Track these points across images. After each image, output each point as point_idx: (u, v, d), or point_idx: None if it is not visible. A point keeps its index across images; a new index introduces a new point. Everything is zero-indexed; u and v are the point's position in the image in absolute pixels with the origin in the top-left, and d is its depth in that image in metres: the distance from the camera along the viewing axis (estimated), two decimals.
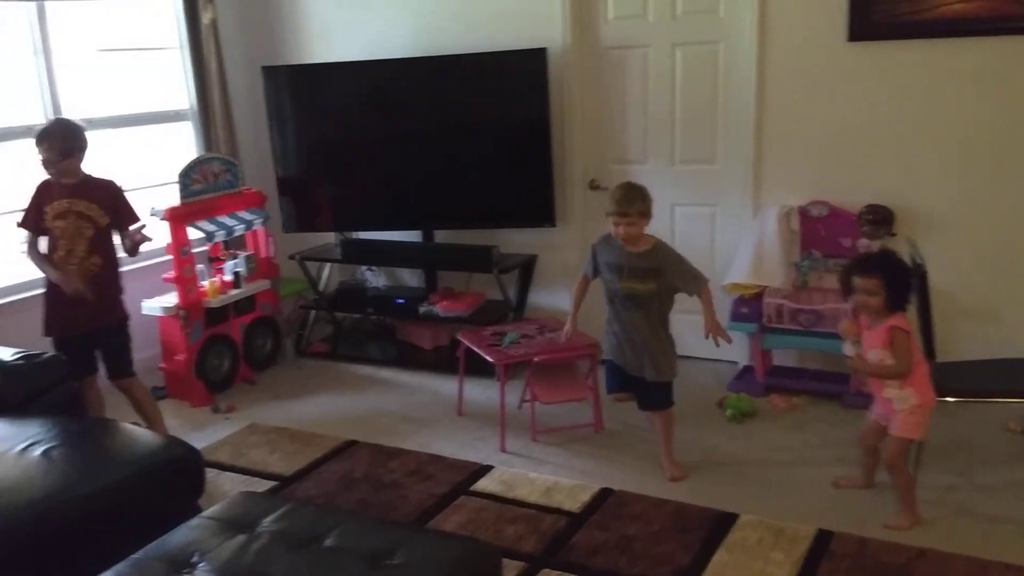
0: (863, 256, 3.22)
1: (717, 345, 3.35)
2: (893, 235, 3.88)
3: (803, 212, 4.07)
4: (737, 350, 4.37)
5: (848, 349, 3.03)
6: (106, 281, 3.57)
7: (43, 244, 3.55)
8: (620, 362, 3.40)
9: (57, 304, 3.52)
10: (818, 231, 4.06)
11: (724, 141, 4.29)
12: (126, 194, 3.64)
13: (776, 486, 3.29)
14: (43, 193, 3.51)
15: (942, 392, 3.05)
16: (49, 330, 3.57)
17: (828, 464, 3.40)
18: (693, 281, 3.28)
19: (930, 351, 3.12)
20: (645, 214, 3.23)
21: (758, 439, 3.68)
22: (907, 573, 2.69)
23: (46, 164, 3.46)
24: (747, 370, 4.25)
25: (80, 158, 3.49)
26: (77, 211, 3.47)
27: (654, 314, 3.31)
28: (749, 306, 4.02)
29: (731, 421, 3.85)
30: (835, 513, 3.05)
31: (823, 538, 2.89)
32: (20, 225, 3.54)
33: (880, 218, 3.87)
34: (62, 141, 3.42)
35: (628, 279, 3.27)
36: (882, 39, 3.81)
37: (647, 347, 3.31)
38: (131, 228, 3.58)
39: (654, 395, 3.39)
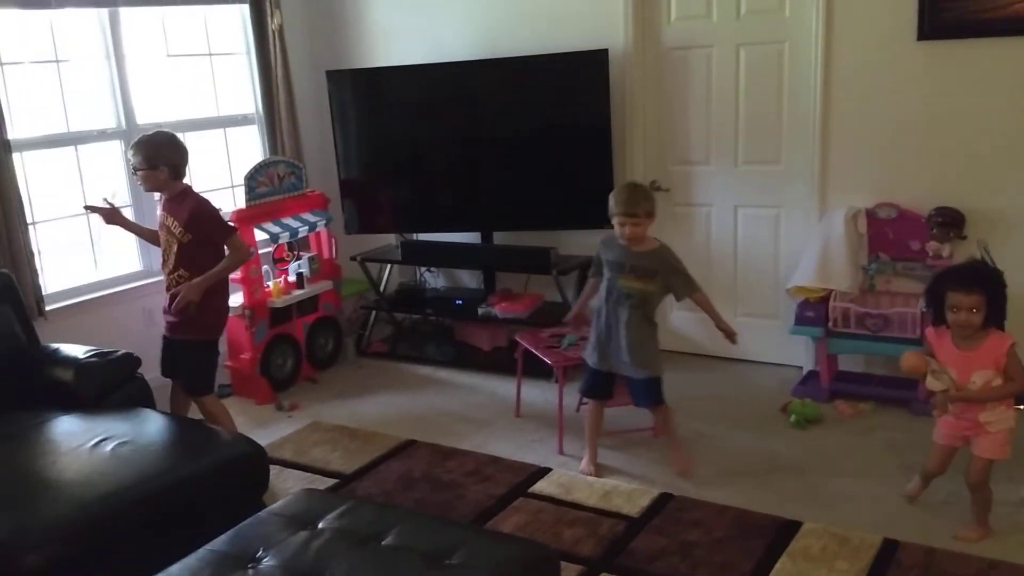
0: (957, 269, 2.95)
1: (733, 343, 3.37)
2: (964, 238, 3.77)
3: (870, 214, 3.97)
4: (801, 354, 4.30)
5: (933, 384, 2.79)
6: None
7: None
8: (603, 367, 3.41)
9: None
10: (886, 234, 3.96)
11: (789, 141, 4.22)
12: (216, 210, 3.56)
13: (841, 494, 3.22)
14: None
15: (1019, 399, 2.95)
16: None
17: (894, 472, 3.31)
18: (686, 286, 3.33)
19: None
20: (651, 214, 3.27)
21: (823, 446, 3.61)
22: None
23: (134, 171, 3.54)
24: (812, 375, 4.17)
25: (166, 173, 3.45)
26: (167, 226, 3.51)
27: (645, 313, 3.33)
28: (815, 310, 3.94)
29: (795, 427, 3.78)
30: (901, 523, 2.97)
31: (889, 548, 2.82)
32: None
33: (950, 220, 3.76)
34: (146, 150, 3.45)
35: (628, 277, 3.30)
36: (952, 38, 3.70)
37: (632, 345, 3.31)
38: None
39: (643, 391, 3.39)
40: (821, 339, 3.97)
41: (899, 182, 3.93)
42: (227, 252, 3.52)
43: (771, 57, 4.17)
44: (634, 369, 3.34)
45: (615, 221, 3.29)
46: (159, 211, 3.58)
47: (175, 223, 3.48)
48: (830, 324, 3.90)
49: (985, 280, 2.76)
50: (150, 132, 3.54)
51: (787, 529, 2.97)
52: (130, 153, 3.50)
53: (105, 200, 3.68)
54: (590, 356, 3.46)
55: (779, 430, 3.78)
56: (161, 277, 3.70)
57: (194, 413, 3.63)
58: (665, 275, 3.32)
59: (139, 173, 3.49)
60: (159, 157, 3.44)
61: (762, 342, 4.44)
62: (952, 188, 3.81)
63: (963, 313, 2.71)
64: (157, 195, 3.61)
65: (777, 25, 4.12)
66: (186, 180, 3.58)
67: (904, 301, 3.85)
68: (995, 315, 2.73)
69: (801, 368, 4.29)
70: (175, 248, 3.50)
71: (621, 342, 3.33)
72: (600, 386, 3.49)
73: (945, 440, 2.93)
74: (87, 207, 3.72)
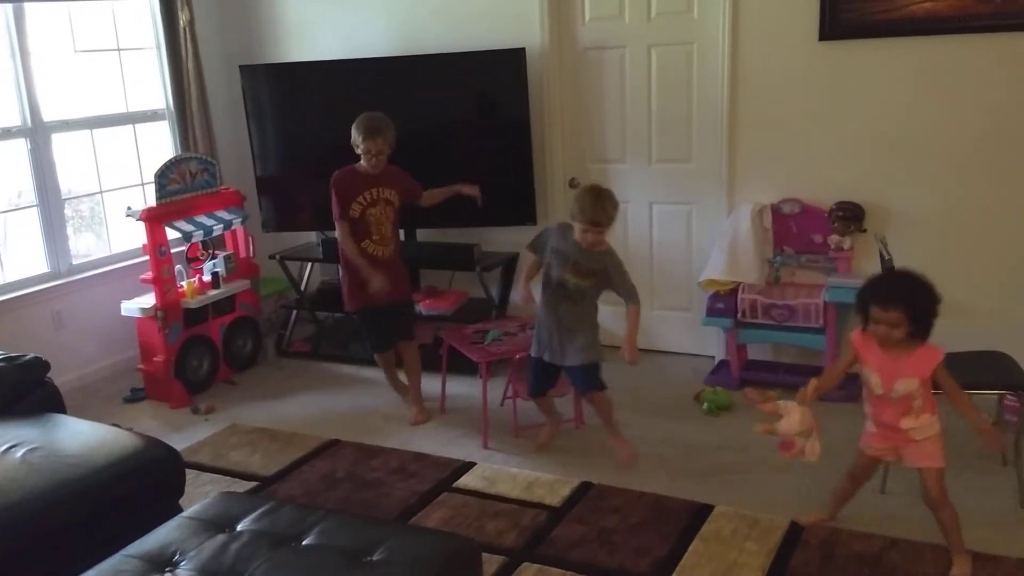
0: (880, 281, 2.73)
1: (631, 363, 3.39)
2: (863, 231, 3.95)
3: (775, 209, 4.13)
4: (713, 345, 4.44)
5: (780, 425, 2.72)
6: (400, 262, 3.98)
7: None
8: (549, 356, 3.46)
9: (360, 282, 3.85)
10: (790, 228, 4.12)
11: (699, 140, 4.34)
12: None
13: (751, 478, 3.35)
14: (349, 185, 3.80)
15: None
16: (352, 302, 3.96)
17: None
18: (630, 295, 3.37)
19: None
20: (613, 221, 3.30)
21: (733, 432, 3.74)
22: (879, 562, 2.75)
23: (377, 156, 3.74)
24: (723, 364, 4.31)
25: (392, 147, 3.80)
26: (385, 199, 3.81)
27: (586, 305, 3.42)
28: (724, 302, 4.08)
29: (707, 414, 3.91)
30: (808, 504, 3.11)
31: (796, 528, 2.95)
32: (339, 219, 3.80)
33: (850, 215, 3.94)
34: (392, 132, 3.75)
35: (571, 271, 3.35)
36: (853, 38, 3.87)
37: (574, 334, 3.40)
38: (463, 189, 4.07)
39: (583, 377, 3.46)
40: (731, 330, 4.11)
41: (802, 178, 4.10)
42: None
43: (681, 58, 4.29)
44: (573, 355, 3.41)
45: (577, 226, 3.26)
46: (364, 191, 3.78)
47: (394, 193, 3.84)
48: (739, 315, 4.05)
49: (906, 297, 2.56)
50: (372, 119, 3.76)
51: (700, 513, 3.08)
52: (377, 142, 3.71)
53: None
54: (535, 348, 3.51)
55: (692, 417, 3.91)
56: (62, 281, 4.11)
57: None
58: (609, 276, 3.35)
59: (386, 155, 3.77)
60: (393, 134, 3.77)
61: (676, 333, 4.57)
62: (852, 183, 3.99)
63: (882, 327, 2.56)
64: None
65: (686, 26, 4.24)
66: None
67: (808, 292, 4.02)
68: (921, 329, 2.57)
69: (713, 358, 4.44)
70: (392, 218, 3.87)
71: (561, 329, 3.40)
72: (545, 381, 3.56)
73: (873, 452, 2.81)
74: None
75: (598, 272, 3.34)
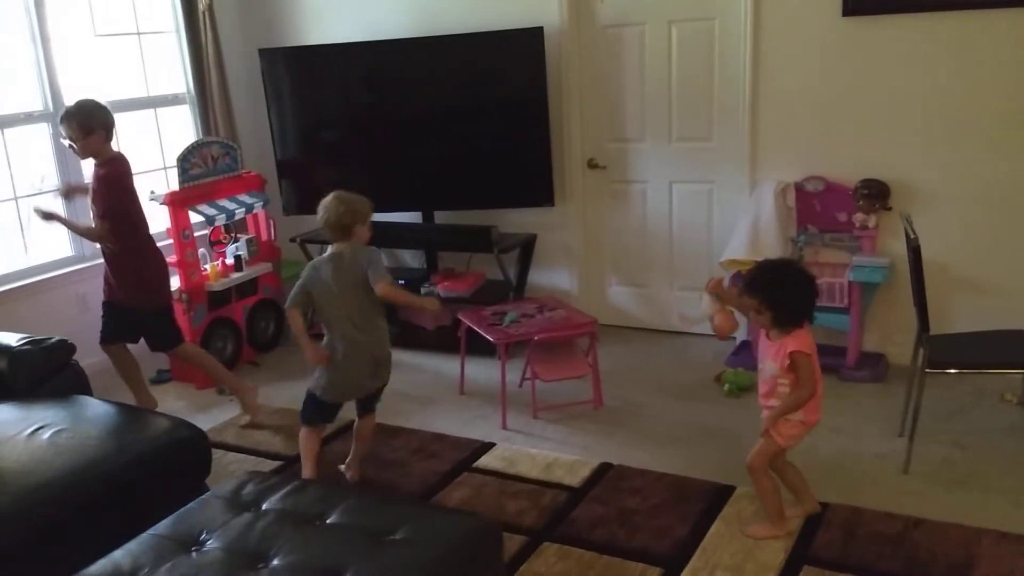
0: (751, 269, 2.85)
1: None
2: (888, 209, 3.91)
3: (799, 187, 4.09)
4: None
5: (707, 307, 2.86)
6: (118, 265, 3.68)
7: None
8: (353, 394, 3.22)
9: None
10: (814, 206, 4.08)
11: (720, 118, 4.30)
12: (123, 188, 3.60)
13: None
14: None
15: (938, 364, 3.09)
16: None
17: (823, 436, 3.44)
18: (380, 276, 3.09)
19: (924, 324, 3.16)
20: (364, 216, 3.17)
21: (755, 413, 3.70)
22: (902, 542, 2.74)
23: (72, 145, 3.56)
24: (744, 345, 4.29)
25: (103, 135, 3.55)
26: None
27: (378, 315, 3.17)
28: None
29: (728, 395, 3.90)
30: (832, 484, 3.10)
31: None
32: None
33: (875, 192, 3.90)
34: (79, 117, 3.50)
35: (352, 291, 3.08)
36: (877, 13, 3.81)
37: (383, 354, 3.20)
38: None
39: (375, 398, 3.28)
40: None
41: (826, 156, 4.05)
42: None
43: (702, 34, 4.24)
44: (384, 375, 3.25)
45: (365, 229, 3.18)
46: (91, 180, 3.63)
47: (94, 185, 3.59)
48: None
49: (762, 286, 2.68)
50: (69, 105, 3.56)
51: (721, 494, 3.08)
52: (62, 127, 3.52)
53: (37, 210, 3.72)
54: (339, 394, 3.22)
55: (713, 399, 3.89)
56: (87, 264, 4.00)
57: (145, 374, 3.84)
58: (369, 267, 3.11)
59: (78, 143, 3.51)
60: (93, 120, 3.51)
61: (697, 314, 4.54)
62: (877, 160, 3.94)
63: (752, 312, 2.72)
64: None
65: (707, 1, 4.19)
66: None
67: (832, 271, 3.98)
68: (783, 318, 2.67)
69: (734, 339, 4.42)
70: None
71: (375, 358, 3.19)
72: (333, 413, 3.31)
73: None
74: (40, 212, 3.71)
75: (363, 273, 3.07)
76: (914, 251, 3.12)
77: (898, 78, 3.86)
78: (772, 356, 2.73)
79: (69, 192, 4.00)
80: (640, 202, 4.62)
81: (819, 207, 4.07)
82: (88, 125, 3.49)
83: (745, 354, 4.21)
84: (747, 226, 4.07)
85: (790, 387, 2.73)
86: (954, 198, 3.86)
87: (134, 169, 3.67)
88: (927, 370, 3.11)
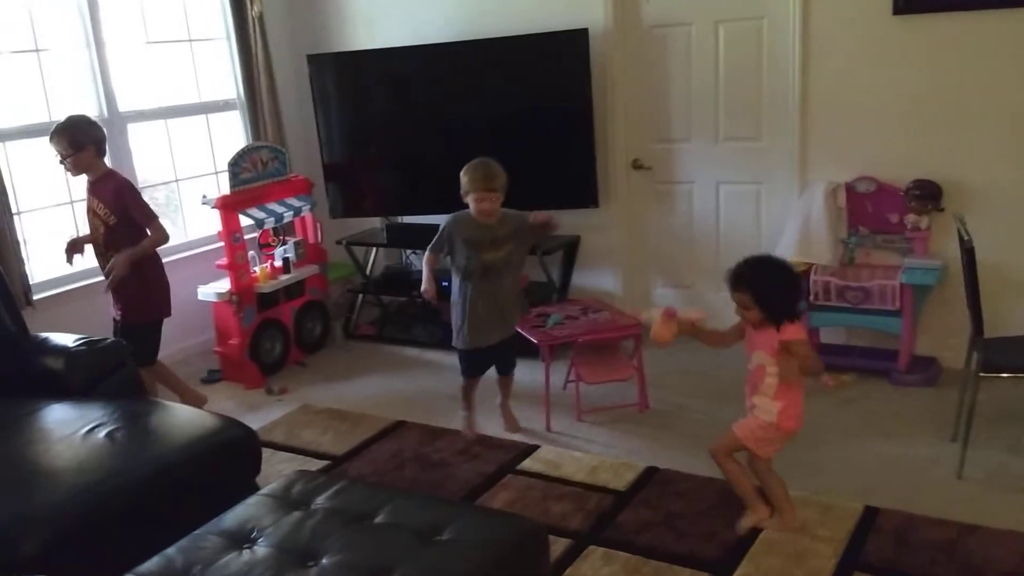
0: (737, 266, 2.79)
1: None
2: (941, 210, 3.83)
3: (849, 188, 4.02)
4: None
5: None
6: (121, 281, 3.69)
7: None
8: (487, 342, 3.53)
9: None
10: (865, 207, 4.01)
11: (769, 118, 4.25)
12: (139, 191, 3.72)
13: (824, 463, 3.29)
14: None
15: (993, 368, 3.03)
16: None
17: (876, 441, 3.39)
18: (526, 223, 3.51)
19: (978, 327, 3.09)
20: (505, 188, 3.41)
21: (806, 416, 3.65)
22: (955, 549, 2.68)
23: (62, 161, 3.58)
24: None
25: (93, 151, 3.59)
26: (94, 209, 3.65)
27: (514, 276, 3.57)
28: None
29: None
30: (883, 490, 3.05)
31: (869, 514, 2.89)
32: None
33: (927, 193, 3.82)
34: (69, 134, 3.53)
35: (490, 248, 3.44)
36: (928, 11, 3.74)
37: (511, 308, 3.56)
38: None
39: (512, 353, 3.66)
40: (803, 312, 4.02)
41: (877, 156, 3.98)
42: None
43: (750, 33, 4.20)
44: (511, 328, 3.60)
45: (472, 198, 3.39)
46: (86, 195, 3.67)
47: (101, 205, 3.61)
48: (811, 297, 3.96)
49: (746, 282, 2.69)
50: (59, 122, 3.60)
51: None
52: (52, 144, 3.56)
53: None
54: (464, 340, 3.54)
55: None
56: None
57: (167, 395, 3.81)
58: (521, 227, 3.49)
59: (68, 159, 3.56)
60: (83, 136, 3.55)
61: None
62: (929, 161, 3.86)
63: (739, 308, 2.75)
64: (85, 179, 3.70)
65: (755, 1, 4.15)
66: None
67: (884, 273, 3.91)
68: (773, 314, 2.67)
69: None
70: (102, 231, 3.64)
71: (505, 310, 3.52)
72: (481, 363, 3.65)
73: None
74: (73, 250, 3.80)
75: (511, 233, 3.45)
76: (968, 253, 3.06)
77: (949, 77, 3.78)
78: (761, 345, 2.75)
79: (75, 246, 3.83)
80: (686, 203, 4.58)
81: (870, 208, 4.00)
82: (79, 141, 3.53)
83: None
84: (797, 227, 4.01)
85: (775, 383, 2.74)
86: (1008, 198, 3.76)
87: (189, 174, 3.74)
88: (981, 374, 3.05)
